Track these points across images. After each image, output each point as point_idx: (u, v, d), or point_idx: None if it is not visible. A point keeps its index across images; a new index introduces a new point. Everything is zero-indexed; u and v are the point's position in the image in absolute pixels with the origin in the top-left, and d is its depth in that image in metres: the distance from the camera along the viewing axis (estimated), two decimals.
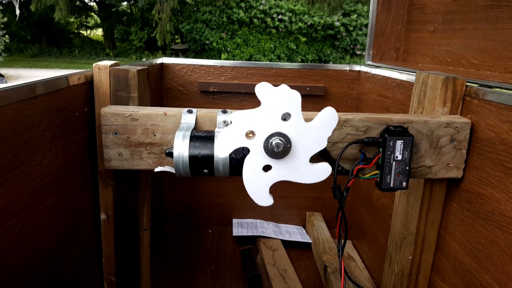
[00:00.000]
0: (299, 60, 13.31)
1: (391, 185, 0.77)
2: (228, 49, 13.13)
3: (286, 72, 1.49)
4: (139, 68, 0.84)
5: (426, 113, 0.86)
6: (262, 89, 0.60)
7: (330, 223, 1.62)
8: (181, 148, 0.68)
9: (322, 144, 0.63)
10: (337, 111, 1.71)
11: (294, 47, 13.12)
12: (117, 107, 0.77)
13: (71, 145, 0.77)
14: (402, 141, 0.75)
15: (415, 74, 1.07)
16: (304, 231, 1.58)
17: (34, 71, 10.07)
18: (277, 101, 0.60)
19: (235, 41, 13.17)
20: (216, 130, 0.72)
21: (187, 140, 0.69)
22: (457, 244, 0.82)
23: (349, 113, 0.78)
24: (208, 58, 13.94)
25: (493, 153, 0.71)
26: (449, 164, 0.79)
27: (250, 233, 1.49)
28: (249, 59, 13.11)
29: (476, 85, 0.80)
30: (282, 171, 0.64)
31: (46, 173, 0.69)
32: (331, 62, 13.39)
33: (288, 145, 0.62)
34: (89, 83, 0.81)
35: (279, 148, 0.61)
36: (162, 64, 1.46)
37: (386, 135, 0.74)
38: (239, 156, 0.69)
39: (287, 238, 1.48)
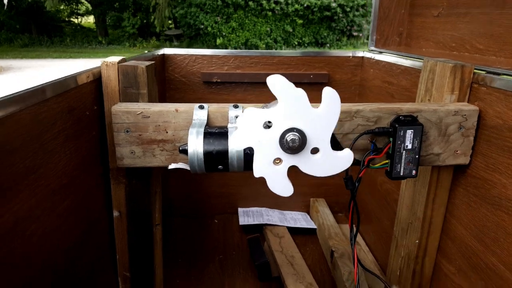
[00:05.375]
0: (296, 43, 13.19)
1: (401, 174, 0.78)
2: (224, 34, 12.99)
3: (290, 60, 1.49)
4: (148, 63, 0.83)
5: (434, 100, 0.87)
6: (275, 81, 0.60)
7: (333, 208, 1.64)
8: (196, 145, 0.69)
9: (333, 123, 0.64)
10: (341, 98, 1.72)
11: (291, 30, 12.99)
12: (127, 105, 0.77)
13: (83, 144, 0.78)
14: (412, 130, 0.76)
15: (420, 60, 1.07)
16: (309, 217, 1.60)
17: (25, 62, 9.93)
18: (293, 96, 0.61)
19: (230, 25, 13.01)
20: (229, 125, 0.73)
21: (201, 137, 0.70)
22: (463, 228, 0.84)
23: (359, 104, 0.78)
24: (203, 43, 13.78)
25: (500, 140, 0.72)
26: (457, 151, 0.80)
27: (256, 221, 1.52)
28: (245, 44, 12.99)
29: (484, 72, 0.80)
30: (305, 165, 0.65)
31: (62, 175, 0.69)
32: (328, 45, 13.29)
33: (304, 139, 0.63)
34: (97, 80, 0.81)
35: (295, 142, 0.62)
36: (163, 55, 1.45)
37: (397, 125, 0.75)
38: (253, 152, 0.70)
39: (292, 224, 1.50)
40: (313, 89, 1.52)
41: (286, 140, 0.63)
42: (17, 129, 0.55)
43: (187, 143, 0.72)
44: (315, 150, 0.65)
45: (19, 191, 0.56)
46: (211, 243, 1.47)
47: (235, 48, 12.99)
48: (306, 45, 13.31)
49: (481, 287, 0.77)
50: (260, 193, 1.66)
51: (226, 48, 13.01)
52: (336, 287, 1.18)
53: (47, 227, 0.64)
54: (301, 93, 0.62)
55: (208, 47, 13.27)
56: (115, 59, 0.81)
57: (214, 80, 1.48)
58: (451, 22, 1.16)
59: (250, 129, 0.63)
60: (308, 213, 1.64)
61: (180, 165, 0.75)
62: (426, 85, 0.90)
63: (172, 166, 0.76)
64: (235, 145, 0.68)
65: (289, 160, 0.65)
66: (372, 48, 1.48)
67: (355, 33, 13.58)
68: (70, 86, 0.71)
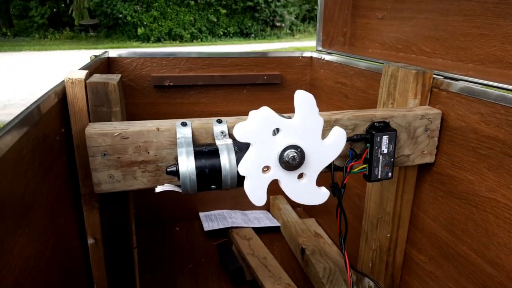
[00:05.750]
0: (221, 33, 13.10)
1: (379, 177, 0.83)
2: (145, 23, 12.44)
3: (242, 61, 1.48)
4: (116, 78, 0.77)
5: (397, 104, 0.93)
6: (241, 132, 0.61)
7: (292, 203, 1.69)
8: (187, 165, 0.66)
9: (319, 122, 0.65)
10: (292, 97, 1.78)
11: (215, 20, 12.86)
12: (102, 126, 0.71)
13: (57, 172, 0.70)
14: (387, 136, 0.80)
15: (372, 63, 1.14)
16: (270, 215, 1.63)
17: None
18: (259, 128, 0.62)
19: (152, 14, 12.49)
20: (218, 142, 0.71)
21: (192, 157, 0.67)
22: (432, 220, 0.92)
23: (337, 112, 0.81)
24: (122, 34, 13.04)
25: (464, 141, 0.80)
26: (424, 151, 0.87)
27: (221, 225, 1.50)
28: (169, 33, 12.59)
29: (442, 77, 0.88)
30: (312, 169, 0.66)
31: (47, 211, 0.62)
32: (253, 35, 13.41)
33: (300, 149, 0.63)
34: (62, 100, 0.74)
35: (295, 159, 0.62)
36: (108, 58, 1.36)
37: (374, 132, 0.80)
38: None
39: (257, 225, 1.52)
40: (266, 90, 1.55)
41: (288, 155, 0.63)
42: (5, 175, 0.48)
43: (173, 164, 0.69)
44: (301, 176, 0.67)
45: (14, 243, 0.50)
46: (177, 253, 1.43)
47: (159, 39, 12.53)
48: (231, 35, 13.30)
49: (455, 273, 0.85)
50: (219, 196, 1.64)
51: (149, 38, 12.49)
52: (310, 284, 1.22)
53: (33, 267, 0.57)
54: (320, 120, 0.63)
55: (129, 38, 12.62)
56: (79, 74, 0.74)
57: (166, 84, 1.42)
58: (396, 24, 1.25)
59: (259, 126, 0.61)
60: (269, 211, 1.67)
61: (168, 187, 0.72)
62: (388, 89, 0.96)
63: (159, 189, 0.72)
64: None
65: (277, 173, 0.66)
66: (319, 48, 1.53)
67: (278, 24, 13.88)
68: (42, 112, 0.63)
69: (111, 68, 1.35)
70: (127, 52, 1.37)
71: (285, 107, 1.55)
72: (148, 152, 0.73)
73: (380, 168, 0.82)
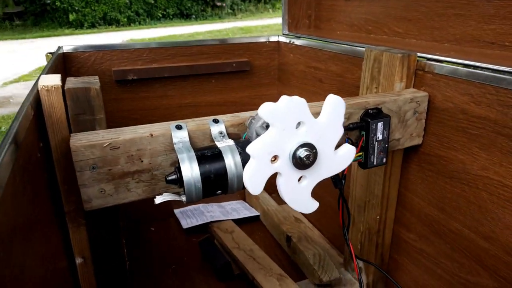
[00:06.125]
0: (160, 15, 12.57)
1: (374, 163, 0.84)
2: (76, 8, 11.59)
3: (209, 49, 1.41)
4: (94, 81, 0.69)
5: (382, 88, 0.93)
6: (268, 110, 0.56)
7: (268, 190, 1.67)
8: (191, 172, 0.61)
9: (340, 132, 0.63)
10: (261, 83, 1.73)
11: (152, 1, 12.28)
12: (88, 136, 0.63)
13: (39, 191, 0.62)
14: (382, 122, 0.80)
15: (350, 46, 1.13)
16: (247, 204, 1.61)
17: None
18: (288, 114, 0.58)
19: None
20: (219, 144, 0.66)
21: (195, 163, 0.62)
22: (421, 200, 0.94)
23: None
24: (52, 21, 12.07)
25: (453, 122, 0.82)
26: (412, 134, 0.89)
27: (200, 221, 1.46)
28: (104, 18, 11.86)
29: (424, 59, 0.89)
30: (316, 174, 0.63)
31: (29, 234, 0.55)
32: (194, 16, 13.02)
33: (315, 151, 0.61)
34: (37, 111, 0.65)
35: (309, 158, 0.60)
36: (63, 54, 1.23)
37: (369, 119, 0.79)
38: None
39: (236, 216, 1.49)
40: (235, 77, 1.49)
41: (303, 152, 0.60)
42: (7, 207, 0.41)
43: (173, 172, 0.64)
44: (300, 178, 0.63)
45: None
46: (157, 254, 1.37)
47: (93, 24, 11.77)
48: (171, 17, 12.81)
49: (447, 249, 0.89)
50: None
51: (82, 24, 11.69)
52: (300, 272, 1.22)
53: None
54: (341, 131, 0.61)
55: (60, 25, 11.72)
56: (53, 80, 0.65)
57: (129, 78, 1.32)
58: (365, 6, 1.25)
59: (289, 112, 0.57)
60: (245, 200, 1.64)
61: (168, 196, 0.66)
62: (371, 73, 0.95)
63: (159, 200, 0.66)
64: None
65: (283, 167, 0.61)
66: (286, 32, 1.49)
67: (218, 3, 13.58)
68: (21, 133, 0.54)
69: (67, 65, 1.23)
70: (83, 46, 1.24)
71: (255, 95, 1.52)
72: (142, 161, 0.66)
73: (375, 154, 0.82)
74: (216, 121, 0.70)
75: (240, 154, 0.65)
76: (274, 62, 1.53)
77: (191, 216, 1.50)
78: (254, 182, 0.59)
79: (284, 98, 0.57)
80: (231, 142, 0.66)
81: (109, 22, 11.99)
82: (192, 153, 0.63)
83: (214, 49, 1.42)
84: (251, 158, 0.58)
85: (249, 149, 0.57)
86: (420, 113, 0.87)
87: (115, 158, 0.64)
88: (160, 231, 1.50)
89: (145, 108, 1.41)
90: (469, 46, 0.91)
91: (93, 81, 0.68)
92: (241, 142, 0.67)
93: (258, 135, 0.66)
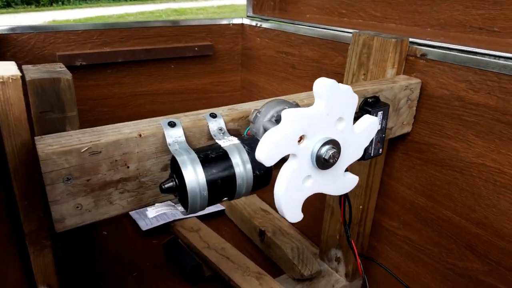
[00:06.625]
0: None
1: (372, 154, 0.79)
2: None
3: (168, 31, 1.27)
4: (59, 69, 0.56)
5: (371, 75, 0.88)
6: (327, 87, 0.48)
7: None
8: (196, 178, 0.51)
9: (360, 154, 0.58)
10: (224, 69, 1.63)
11: None
12: (60, 140, 0.50)
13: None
14: (382, 111, 0.76)
15: (327, 30, 1.07)
16: None
17: None
18: (339, 103, 0.51)
19: None
20: (222, 143, 0.57)
21: (200, 167, 0.52)
22: (406, 188, 0.93)
23: None
24: None
25: (447, 109, 0.80)
26: (404, 122, 0.86)
27: (161, 221, 1.33)
28: None
29: (416, 45, 0.85)
30: (321, 182, 0.56)
31: None
32: None
33: (339, 155, 0.54)
34: None
35: (334, 158, 0.52)
36: None
37: (370, 109, 0.74)
38: (262, 171, 0.57)
39: (200, 212, 1.39)
40: (197, 63, 1.37)
41: (327, 152, 0.53)
42: None
43: (170, 179, 0.53)
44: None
45: None
46: (114, 262, 1.22)
47: (8, 4, 10.53)
48: None
49: (434, 236, 0.88)
50: None
51: None
52: (276, 267, 1.17)
53: None
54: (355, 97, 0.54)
55: None
56: (10, 70, 0.50)
57: (78, 64, 1.14)
58: None
59: (288, 137, 0.49)
60: None
61: (163, 207, 0.56)
62: (359, 59, 0.91)
63: (152, 213, 0.55)
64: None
65: (316, 179, 0.55)
66: (250, 14, 1.40)
67: None
68: None
69: (2, 49, 1.02)
70: (21, 26, 1.04)
71: (218, 81, 1.42)
72: (128, 167, 0.55)
73: (373, 145, 0.78)
74: (213, 116, 0.60)
75: (248, 154, 0.56)
76: (237, 47, 1.43)
77: (149, 216, 1.37)
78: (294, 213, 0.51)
79: (345, 86, 0.51)
80: (235, 140, 0.57)
81: (27, 1, 10.83)
82: (194, 155, 0.53)
83: (174, 31, 1.28)
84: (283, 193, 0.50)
85: (284, 113, 0.48)
86: (412, 100, 0.84)
87: (95, 165, 0.52)
88: (115, 235, 1.34)
89: (94, 97, 1.24)
90: (454, 31, 0.90)
91: (60, 70, 0.54)
92: (246, 140, 0.58)
93: (266, 130, 0.58)
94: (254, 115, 0.60)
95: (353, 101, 0.53)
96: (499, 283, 0.76)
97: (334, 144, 0.52)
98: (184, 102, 1.39)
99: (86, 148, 0.50)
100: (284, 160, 0.51)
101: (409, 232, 0.95)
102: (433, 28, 0.94)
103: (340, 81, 1.04)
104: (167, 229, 1.34)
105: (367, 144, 0.59)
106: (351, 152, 0.57)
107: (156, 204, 0.56)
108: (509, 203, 0.72)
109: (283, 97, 0.70)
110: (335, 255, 1.11)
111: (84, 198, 0.53)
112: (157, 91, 1.34)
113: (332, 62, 1.06)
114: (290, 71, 1.22)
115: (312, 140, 0.51)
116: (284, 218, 0.52)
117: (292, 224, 1.36)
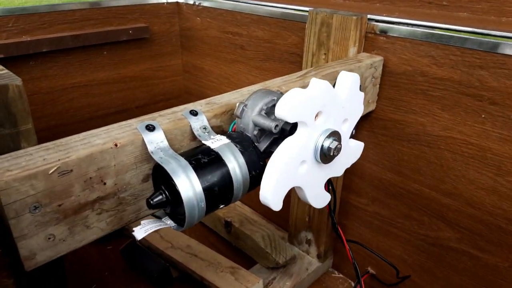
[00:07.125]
0: None
1: None
2: None
3: (96, 13, 1.12)
4: (2, 72, 0.44)
5: (332, 54, 0.87)
6: (353, 81, 0.47)
7: None
8: (192, 188, 0.45)
9: (342, 171, 0.57)
10: (163, 52, 1.54)
11: None
12: (20, 162, 0.40)
13: None
14: None
15: (277, 8, 1.02)
16: None
17: None
18: (354, 103, 0.48)
19: None
20: (209, 144, 0.50)
21: (193, 174, 0.45)
22: (373, 165, 0.94)
23: (302, 76, 0.69)
24: None
25: (411, 85, 0.82)
26: (369, 100, 0.86)
27: None
28: None
29: (374, 21, 0.85)
30: (311, 176, 0.54)
31: None
32: None
33: (338, 153, 0.52)
34: None
35: (337, 152, 0.49)
36: None
37: None
38: (258, 171, 0.52)
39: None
40: (132, 47, 1.24)
41: (332, 144, 0.50)
42: None
43: (158, 192, 0.46)
44: None
45: None
46: (70, 276, 1.09)
47: None
48: None
49: (404, 210, 0.91)
50: None
51: None
52: (248, 258, 1.14)
53: None
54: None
55: None
56: None
57: None
58: None
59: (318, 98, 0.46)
60: None
61: (154, 225, 0.48)
62: (318, 38, 0.88)
63: (141, 233, 0.47)
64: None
65: (311, 168, 0.53)
66: None
67: None
68: None
69: None
70: None
71: (157, 66, 1.31)
72: (105, 183, 0.46)
73: None
74: (194, 113, 0.53)
75: (242, 154, 0.50)
76: (175, 27, 1.32)
77: None
78: (278, 198, 0.48)
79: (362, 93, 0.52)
80: (224, 139, 0.51)
81: None
82: (184, 162, 0.46)
83: (103, 13, 1.13)
84: (272, 173, 0.46)
85: (277, 164, 0.47)
86: (376, 78, 0.84)
87: (66, 187, 0.43)
88: None
89: None
90: (404, 6, 0.90)
91: (3, 74, 0.43)
92: (236, 137, 0.52)
93: (257, 125, 0.53)
94: (240, 109, 0.54)
95: (360, 110, 0.52)
96: (471, 248, 0.81)
97: (339, 139, 0.50)
98: (122, 92, 1.25)
99: (54, 169, 0.41)
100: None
101: (379, 208, 0.97)
102: (382, 4, 0.94)
103: (297, 61, 1.02)
104: (120, 232, 1.23)
105: (350, 164, 0.59)
106: (342, 161, 0.57)
107: (142, 222, 0.49)
108: (477, 173, 0.76)
109: (260, 84, 0.65)
110: (305, 237, 1.11)
111: (57, 227, 0.43)
112: (91, 82, 1.19)
113: (286, 42, 1.02)
114: (239, 52, 1.16)
115: (325, 123, 0.50)
116: (266, 206, 0.48)
117: (255, 210, 1.34)
